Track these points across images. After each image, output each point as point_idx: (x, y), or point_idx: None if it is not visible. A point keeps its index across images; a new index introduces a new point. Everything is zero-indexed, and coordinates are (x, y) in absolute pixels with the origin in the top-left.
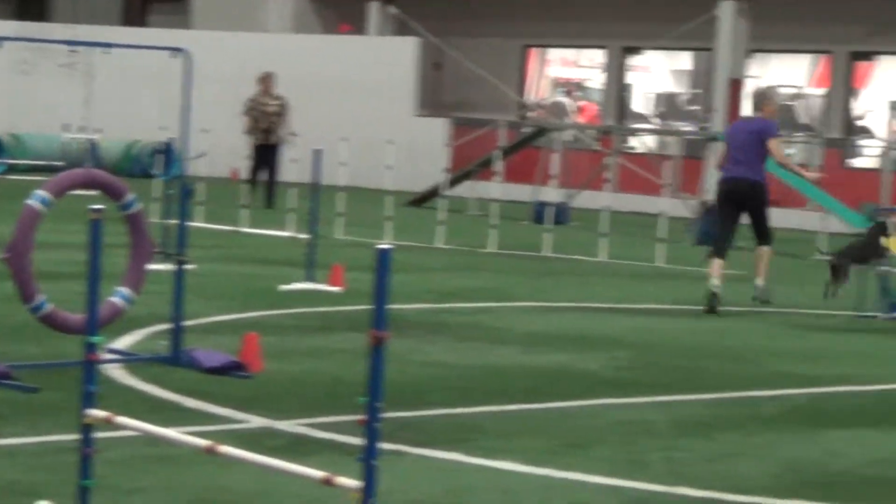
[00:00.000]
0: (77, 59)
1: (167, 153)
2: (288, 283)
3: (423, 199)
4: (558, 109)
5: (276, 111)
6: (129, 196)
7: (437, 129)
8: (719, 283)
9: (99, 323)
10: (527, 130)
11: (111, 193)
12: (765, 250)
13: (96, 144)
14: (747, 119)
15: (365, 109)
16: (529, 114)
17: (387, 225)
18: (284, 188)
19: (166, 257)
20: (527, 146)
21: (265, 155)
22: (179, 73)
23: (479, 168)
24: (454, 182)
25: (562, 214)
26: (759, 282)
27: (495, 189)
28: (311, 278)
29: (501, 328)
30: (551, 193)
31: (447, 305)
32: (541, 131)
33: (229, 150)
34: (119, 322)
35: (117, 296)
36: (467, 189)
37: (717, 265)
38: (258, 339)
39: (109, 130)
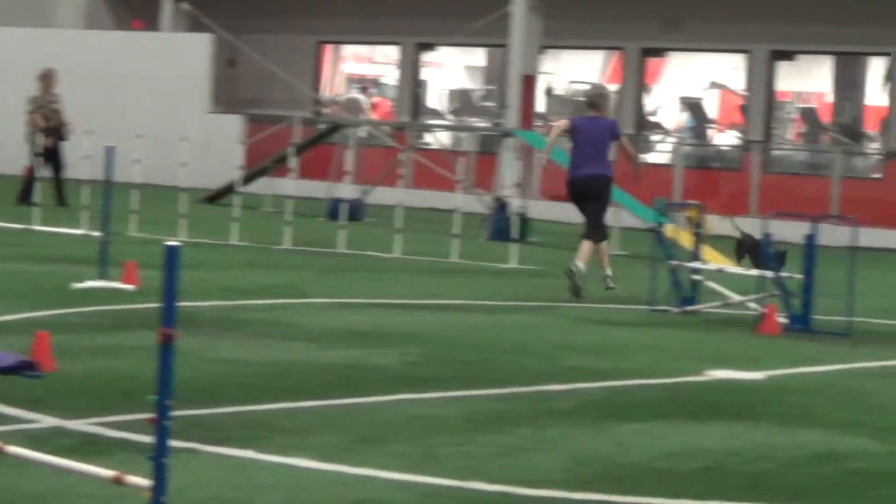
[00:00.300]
0: None
1: None
2: (81, 281)
3: (218, 196)
4: (353, 106)
5: (60, 109)
6: None
7: (232, 126)
8: (610, 269)
9: None
10: (321, 127)
11: None
12: (602, 245)
13: None
14: (592, 118)
15: (159, 106)
16: (324, 110)
17: (182, 222)
18: (77, 185)
19: None
20: (321, 143)
21: (55, 153)
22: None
23: (274, 165)
24: (249, 179)
25: (356, 211)
26: (608, 271)
27: (290, 186)
28: (104, 276)
29: (295, 325)
30: (346, 190)
31: (241, 302)
32: (335, 128)
33: (22, 147)
34: None
35: None
36: (262, 186)
37: (604, 250)
38: (49, 337)
39: None
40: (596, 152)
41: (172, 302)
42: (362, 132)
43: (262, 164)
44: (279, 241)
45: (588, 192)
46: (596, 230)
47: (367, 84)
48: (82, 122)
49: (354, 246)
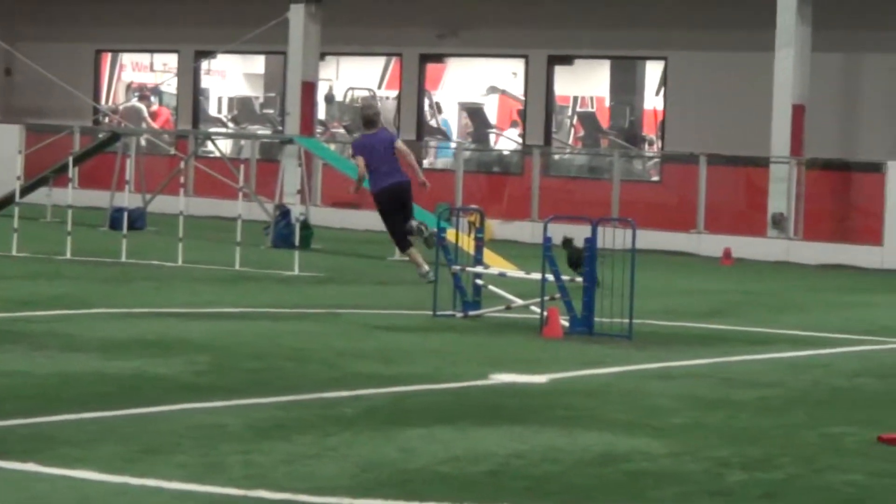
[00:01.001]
0: None
1: None
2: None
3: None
4: (133, 114)
5: None
6: None
7: (10, 136)
8: (426, 265)
9: None
10: (101, 136)
11: None
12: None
13: None
14: (372, 134)
15: None
16: (104, 119)
17: None
18: None
19: None
20: (101, 152)
21: None
22: None
23: (54, 174)
24: (28, 189)
25: (138, 220)
26: (425, 267)
27: (70, 195)
28: None
29: (78, 335)
30: (127, 199)
31: (23, 314)
32: (115, 136)
33: None
34: None
35: None
36: (42, 196)
37: (415, 253)
38: None
39: None
40: (388, 165)
41: None
42: (143, 141)
43: (41, 174)
44: (60, 252)
45: (397, 199)
46: (405, 226)
47: (146, 92)
48: None
49: (137, 255)
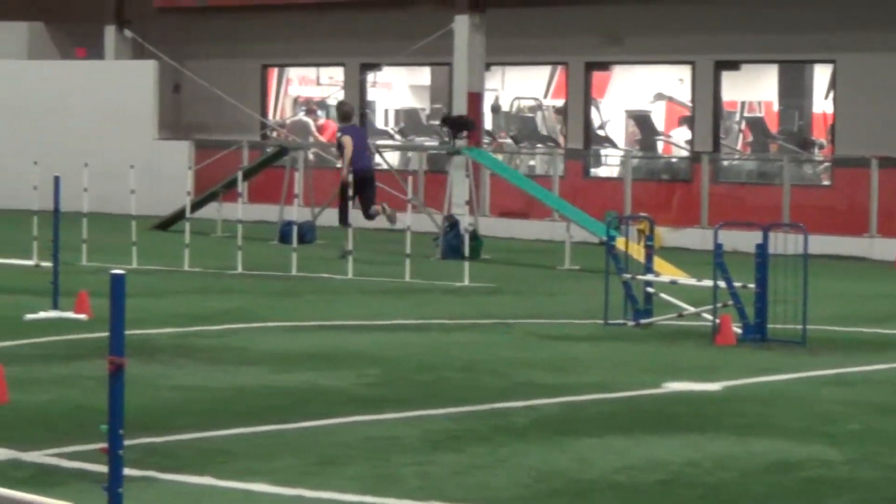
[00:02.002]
0: None
1: None
2: (33, 312)
3: (169, 223)
4: (300, 128)
5: None
6: None
7: (179, 152)
8: (350, 249)
9: None
10: (269, 150)
11: None
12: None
13: None
14: (354, 126)
15: (105, 134)
16: (272, 133)
17: (132, 250)
18: (26, 216)
19: None
20: (270, 166)
21: None
22: None
23: (224, 189)
24: (199, 205)
25: (308, 233)
26: (349, 247)
27: (240, 210)
28: (56, 306)
29: (250, 349)
30: (296, 212)
31: (195, 329)
32: (283, 151)
33: None
34: None
35: None
36: (212, 211)
37: (349, 233)
38: (2, 369)
39: None
40: (366, 152)
41: (120, 330)
42: (310, 154)
43: (211, 189)
44: (231, 266)
45: (367, 177)
46: (369, 210)
47: (313, 106)
48: (27, 152)
49: (306, 268)
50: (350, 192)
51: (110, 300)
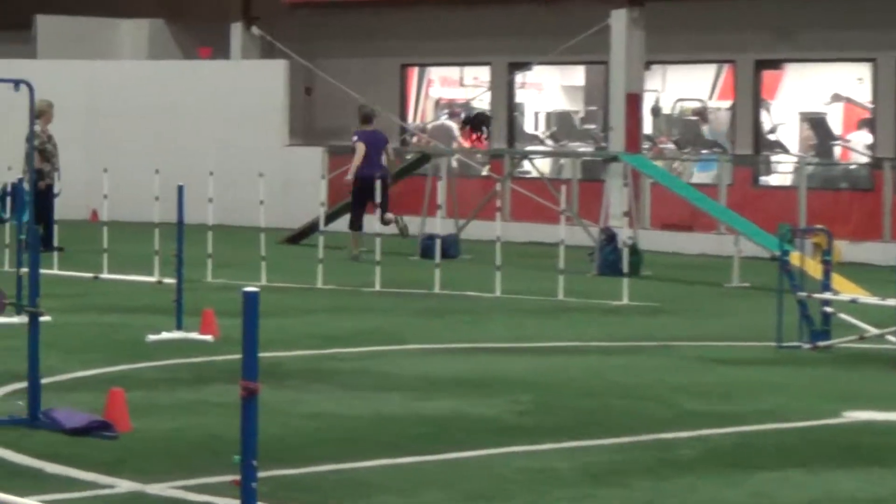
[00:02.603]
0: None
1: (15, 195)
2: (156, 332)
3: (301, 236)
4: (443, 133)
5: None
6: None
7: (312, 159)
8: (357, 252)
9: None
10: (409, 157)
11: None
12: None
13: None
14: (372, 130)
15: (232, 141)
16: (412, 139)
17: (262, 265)
18: (148, 228)
19: (20, 309)
20: (410, 174)
21: (49, 197)
22: (23, 107)
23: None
24: (333, 216)
25: (451, 247)
26: (356, 252)
27: (378, 222)
28: (181, 326)
29: (391, 373)
30: (439, 225)
31: (331, 351)
32: (424, 157)
33: (86, 189)
34: None
35: None
36: (348, 223)
37: (355, 237)
38: (124, 394)
39: None
40: (377, 157)
41: (254, 352)
42: (454, 162)
43: (346, 199)
44: (369, 283)
45: (369, 186)
46: (382, 216)
47: (457, 109)
48: (149, 159)
49: (451, 286)
50: (376, 199)
51: (243, 320)
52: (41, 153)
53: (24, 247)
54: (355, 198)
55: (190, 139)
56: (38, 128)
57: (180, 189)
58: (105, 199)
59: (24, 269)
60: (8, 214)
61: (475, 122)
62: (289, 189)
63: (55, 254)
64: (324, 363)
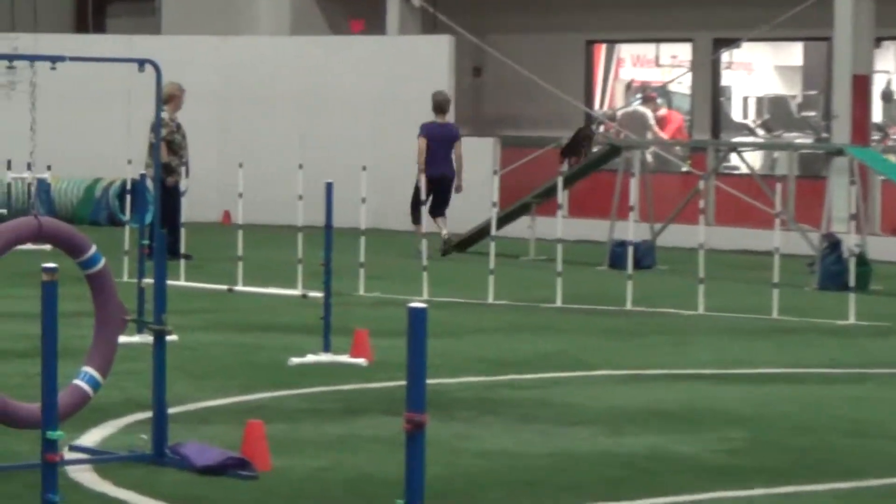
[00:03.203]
0: (17, 78)
1: (138, 193)
2: (299, 354)
3: (469, 242)
4: (635, 121)
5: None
6: (92, 250)
7: (482, 153)
8: (422, 238)
9: (60, 413)
10: (596, 150)
11: (68, 248)
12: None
13: (46, 185)
14: (442, 123)
15: (387, 130)
16: (599, 128)
17: (423, 276)
18: (289, 233)
19: (142, 326)
20: (597, 170)
21: (176, 196)
22: (148, 90)
23: (538, 200)
24: (507, 219)
25: (646, 256)
26: (445, 234)
27: (559, 227)
28: (328, 348)
29: (575, 405)
30: (631, 229)
31: (505, 377)
32: (614, 150)
33: (218, 186)
34: (86, 411)
35: (82, 378)
36: (523, 227)
37: (420, 228)
38: (263, 428)
39: (63, 166)
40: (445, 154)
41: (421, 379)
42: (649, 155)
43: (521, 200)
44: (549, 298)
45: (439, 188)
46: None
47: (652, 93)
48: (291, 152)
49: (646, 301)
50: (423, 197)
51: (408, 340)
52: (168, 145)
53: (147, 254)
54: (419, 192)
55: (339, 128)
56: (165, 115)
57: (328, 187)
58: (240, 199)
59: (148, 281)
60: (128, 216)
61: (573, 146)
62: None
63: (182, 262)
64: (497, 392)
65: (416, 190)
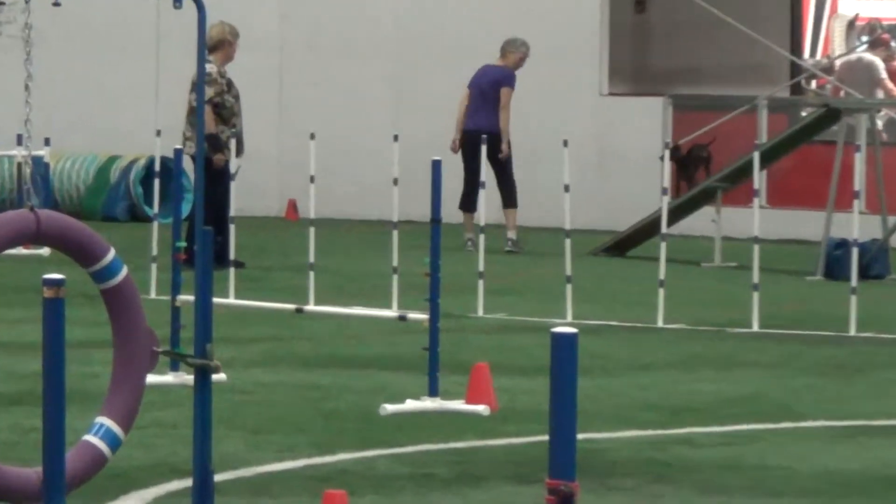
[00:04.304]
0: (5, 17)
1: (168, 176)
2: (395, 400)
3: (628, 244)
4: (859, 73)
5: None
6: (109, 255)
7: (646, 117)
8: (472, 235)
9: (67, 482)
10: (807, 113)
11: (77, 252)
12: (509, 211)
13: (44, 165)
14: (483, 67)
15: (535, 89)
16: (809, 85)
17: (566, 291)
18: (383, 231)
19: (178, 361)
20: (807, 141)
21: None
22: (188, 34)
23: (726, 184)
24: (682, 211)
25: (876, 262)
26: (511, 234)
27: (756, 220)
28: (435, 391)
29: (777, 468)
30: (856, 224)
31: (680, 431)
32: (831, 115)
33: (279, 169)
34: (101, 478)
35: (97, 433)
36: (706, 222)
37: (469, 219)
38: (347, 501)
39: (66, 140)
40: (485, 105)
41: (568, 433)
42: (879, 121)
43: (703, 183)
44: (741, 320)
45: (469, 147)
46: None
47: (883, 34)
48: (380, 119)
49: (876, 323)
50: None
51: (551, 381)
52: (215, 109)
53: (184, 261)
54: (465, 163)
55: (446, 86)
56: (212, 68)
57: (435, 166)
58: (311, 184)
59: (185, 298)
60: (156, 208)
61: (684, 162)
62: (608, 165)
63: (232, 272)
64: (669, 451)
65: (464, 160)
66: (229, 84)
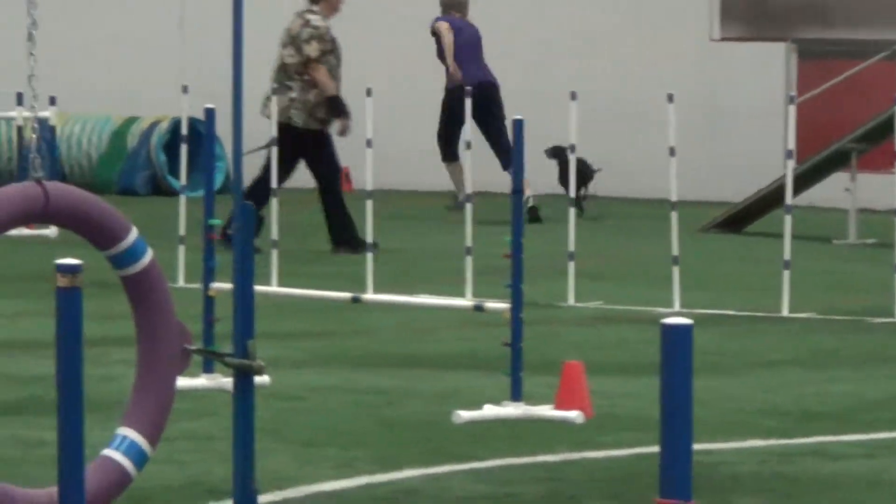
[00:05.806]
0: None
1: (200, 143)
2: (471, 405)
3: (745, 218)
4: None
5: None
6: (131, 236)
7: (765, 66)
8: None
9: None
10: None
11: (93, 232)
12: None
13: (49, 129)
14: (466, 22)
15: (609, 37)
16: None
17: (673, 274)
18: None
19: (213, 361)
20: None
21: (322, 142)
22: None
23: (864, 146)
24: (809, 178)
25: None
26: (463, 194)
27: None
28: (518, 395)
29: None
30: None
31: (811, 440)
32: None
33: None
34: (125, 499)
35: (119, 446)
36: (839, 192)
37: (458, 172)
38: None
39: (75, 99)
40: (476, 57)
41: (683, 443)
42: None
43: (835, 145)
44: (883, 308)
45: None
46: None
47: None
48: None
49: None
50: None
51: (662, 380)
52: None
53: (222, 239)
54: (447, 115)
55: (508, 34)
56: (319, 21)
57: (517, 125)
58: (368, 150)
59: (220, 286)
60: (183, 180)
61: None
62: (720, 125)
63: (273, 254)
64: (799, 463)
65: (448, 108)
66: (333, 43)
